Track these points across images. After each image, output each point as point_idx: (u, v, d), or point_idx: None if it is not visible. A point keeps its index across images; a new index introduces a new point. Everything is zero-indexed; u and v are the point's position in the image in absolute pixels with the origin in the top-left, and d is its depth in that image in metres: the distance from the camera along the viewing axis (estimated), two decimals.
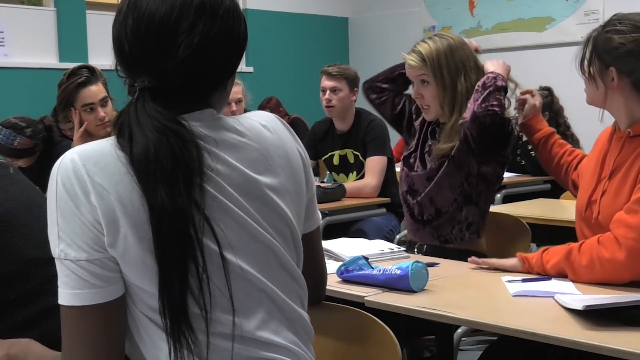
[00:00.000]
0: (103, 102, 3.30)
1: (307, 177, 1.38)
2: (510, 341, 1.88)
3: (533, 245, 3.27)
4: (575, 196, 2.29)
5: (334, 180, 4.12)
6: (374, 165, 4.00)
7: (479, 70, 2.54)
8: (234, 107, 4.30)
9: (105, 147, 1.19)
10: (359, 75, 4.21)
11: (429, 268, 1.97)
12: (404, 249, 2.43)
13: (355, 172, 4.15)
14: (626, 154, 2.04)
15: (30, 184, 1.57)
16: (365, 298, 1.89)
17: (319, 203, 2.23)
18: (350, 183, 4.01)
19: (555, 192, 3.98)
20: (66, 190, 1.15)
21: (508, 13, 7.11)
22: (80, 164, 1.16)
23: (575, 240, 2.06)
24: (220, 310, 1.19)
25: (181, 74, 1.21)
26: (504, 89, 2.42)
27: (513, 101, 2.56)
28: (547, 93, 4.84)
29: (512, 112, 2.56)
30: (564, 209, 2.72)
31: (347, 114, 4.18)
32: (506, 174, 3.42)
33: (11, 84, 5.83)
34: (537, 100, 2.55)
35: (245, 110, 4.35)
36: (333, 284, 1.97)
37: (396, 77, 2.88)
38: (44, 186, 1.20)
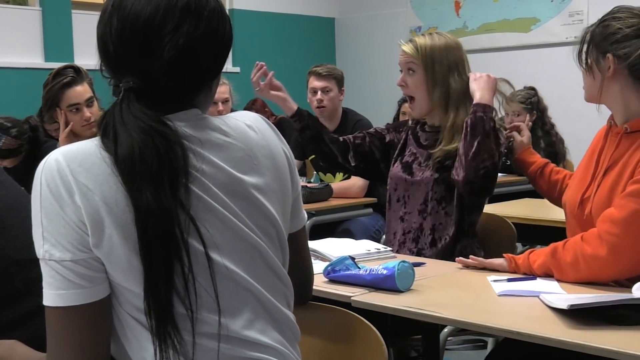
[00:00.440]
0: (89, 103, 3.29)
1: (293, 177, 1.38)
2: (512, 344, 1.87)
3: (519, 245, 3.28)
4: None
5: (321, 181, 4.11)
6: None
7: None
8: (220, 106, 4.30)
9: (89, 147, 1.18)
10: (345, 75, 4.23)
11: (415, 268, 1.97)
12: (391, 249, 2.43)
13: (342, 173, 4.15)
14: (622, 150, 2.01)
15: (15, 185, 1.56)
16: (352, 298, 1.89)
17: (305, 203, 2.22)
18: (337, 183, 4.00)
19: None
20: (50, 191, 1.15)
21: (493, 14, 7.13)
22: (65, 165, 1.16)
23: (562, 239, 2.03)
24: (206, 310, 1.19)
25: (166, 74, 1.21)
26: (493, 129, 2.39)
27: (502, 111, 2.54)
28: (534, 92, 4.88)
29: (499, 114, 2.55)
30: (549, 209, 2.73)
31: (335, 114, 4.19)
32: None
33: None
34: (525, 136, 2.55)
35: (232, 111, 4.34)
36: (320, 284, 1.97)
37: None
38: (29, 187, 1.20)
